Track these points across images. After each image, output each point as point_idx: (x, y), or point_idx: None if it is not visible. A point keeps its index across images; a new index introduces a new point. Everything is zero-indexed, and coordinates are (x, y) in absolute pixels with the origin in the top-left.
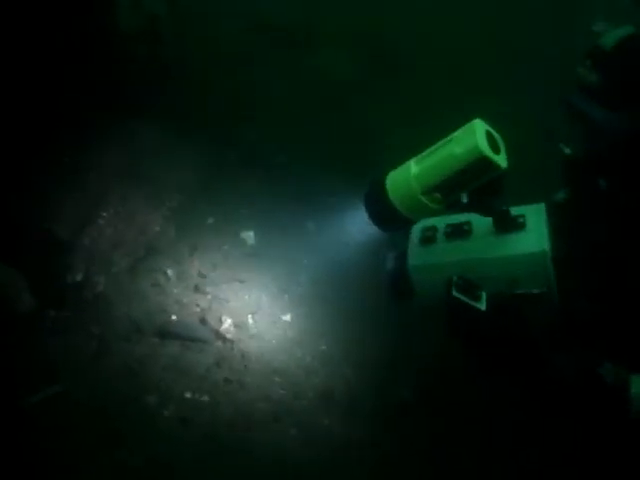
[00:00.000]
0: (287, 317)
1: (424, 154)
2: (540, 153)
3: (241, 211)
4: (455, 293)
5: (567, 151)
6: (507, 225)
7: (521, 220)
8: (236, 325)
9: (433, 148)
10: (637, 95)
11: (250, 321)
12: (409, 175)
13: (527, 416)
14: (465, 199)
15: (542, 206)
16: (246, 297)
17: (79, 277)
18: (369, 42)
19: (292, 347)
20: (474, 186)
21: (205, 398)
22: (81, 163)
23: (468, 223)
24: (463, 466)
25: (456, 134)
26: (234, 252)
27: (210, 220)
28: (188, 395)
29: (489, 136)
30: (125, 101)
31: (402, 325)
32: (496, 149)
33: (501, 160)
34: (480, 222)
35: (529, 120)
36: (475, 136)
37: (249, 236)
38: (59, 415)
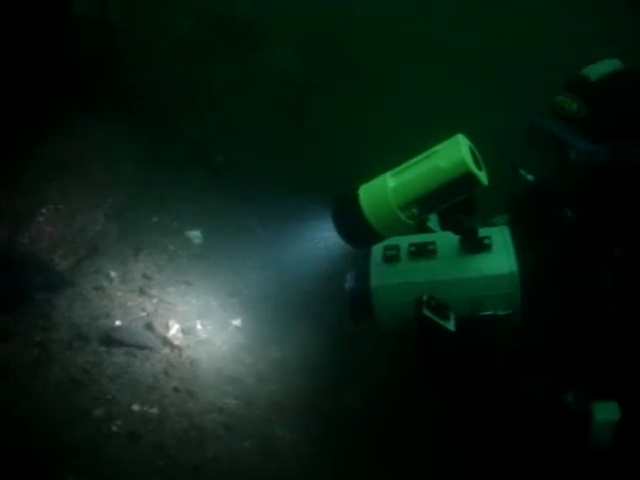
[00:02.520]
0: (237, 322)
1: (401, 167)
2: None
3: (186, 210)
4: (426, 312)
5: (529, 178)
6: (474, 246)
7: (487, 241)
8: (184, 331)
9: (412, 162)
10: (619, 129)
11: (199, 326)
12: (386, 188)
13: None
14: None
15: (506, 229)
16: (194, 301)
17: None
18: (322, 41)
19: (243, 353)
20: (453, 202)
21: (154, 410)
22: (18, 158)
23: (433, 243)
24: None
25: (439, 148)
26: (180, 253)
27: (154, 219)
28: (136, 407)
29: (472, 152)
30: (65, 94)
31: (358, 332)
32: (478, 166)
33: (483, 177)
34: (445, 242)
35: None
36: (461, 151)
37: (195, 236)
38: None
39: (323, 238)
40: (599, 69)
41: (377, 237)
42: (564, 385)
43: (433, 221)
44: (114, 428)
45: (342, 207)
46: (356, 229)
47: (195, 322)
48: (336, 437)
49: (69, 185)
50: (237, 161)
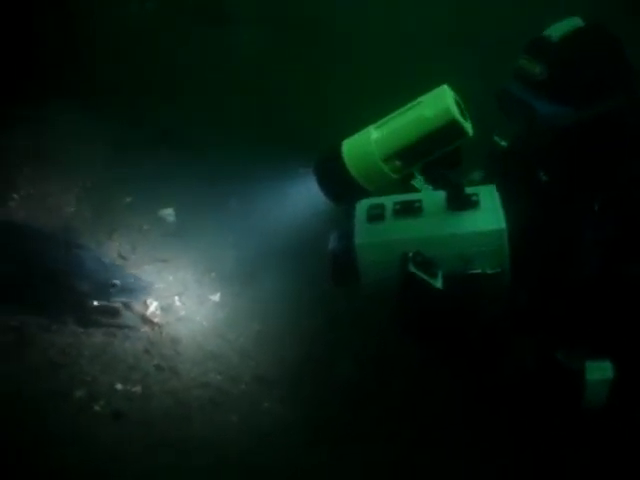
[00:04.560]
0: (216, 297)
1: (385, 119)
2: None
3: (158, 189)
4: (412, 268)
5: (503, 144)
6: (461, 202)
7: (475, 198)
8: (162, 308)
9: (396, 113)
10: (584, 89)
11: (177, 303)
12: (369, 140)
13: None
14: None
15: (493, 187)
16: (170, 278)
17: None
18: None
19: (223, 329)
20: (436, 154)
21: (137, 389)
22: None
23: (419, 201)
24: (407, 449)
25: (423, 98)
26: (154, 231)
27: (127, 199)
28: (119, 387)
29: (456, 103)
30: (31, 79)
31: (339, 301)
32: (463, 116)
33: (468, 127)
34: (431, 200)
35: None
36: (446, 100)
37: (169, 214)
38: None
39: (297, 204)
40: (560, 29)
41: (361, 192)
42: (555, 344)
43: (419, 181)
44: (97, 408)
45: (325, 161)
46: (339, 183)
47: (173, 299)
48: (324, 409)
49: (39, 170)
50: (206, 138)
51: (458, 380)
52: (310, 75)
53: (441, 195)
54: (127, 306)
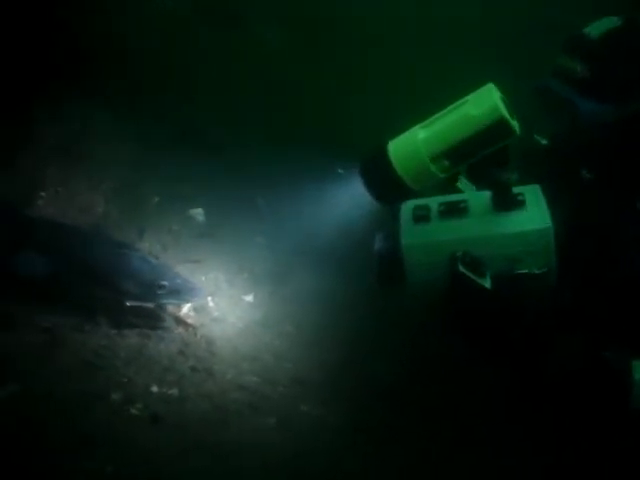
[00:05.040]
0: (249, 298)
1: (431, 119)
2: None
3: (186, 189)
4: (461, 268)
5: (543, 142)
6: (507, 202)
7: (520, 198)
8: (196, 309)
9: (442, 113)
10: (624, 86)
11: (210, 304)
12: (416, 140)
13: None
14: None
15: (537, 187)
16: (203, 278)
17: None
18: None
19: (258, 330)
20: (484, 153)
21: (173, 391)
22: (15, 142)
23: (464, 201)
24: (448, 449)
25: (470, 97)
26: (185, 232)
27: (155, 199)
28: (155, 389)
29: (503, 101)
30: (58, 78)
31: (375, 300)
32: (510, 115)
33: (515, 125)
34: (477, 200)
35: None
36: (493, 97)
37: (198, 213)
38: (14, 421)
39: (334, 204)
40: (599, 27)
41: (406, 192)
42: (601, 343)
43: (463, 183)
44: (133, 411)
45: (371, 161)
46: (386, 183)
47: (206, 299)
48: (363, 410)
49: (68, 168)
50: (232, 137)
51: (501, 379)
52: (338, 75)
53: (486, 195)
54: (160, 307)
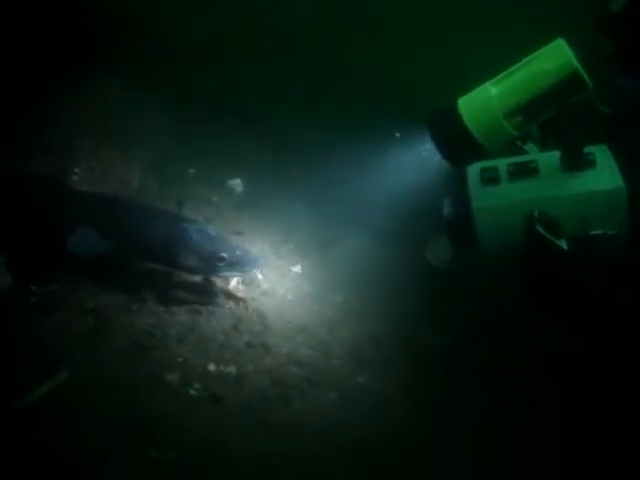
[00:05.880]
0: (297, 268)
1: (502, 75)
2: None
3: (222, 159)
4: (539, 229)
5: (606, 111)
6: (578, 162)
7: (591, 157)
8: (245, 282)
9: (512, 69)
10: None
11: (259, 276)
12: (489, 96)
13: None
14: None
15: (605, 147)
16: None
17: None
18: None
19: (309, 301)
20: (558, 109)
21: (232, 369)
22: (45, 120)
23: (534, 161)
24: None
25: (539, 53)
26: (225, 203)
27: (191, 170)
28: (212, 368)
29: (575, 55)
30: (90, 53)
31: (423, 270)
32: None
33: (588, 79)
34: (546, 160)
35: None
36: (565, 51)
37: (237, 184)
38: (65, 410)
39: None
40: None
41: (478, 151)
42: None
43: (530, 146)
44: (192, 392)
45: (441, 119)
46: (458, 142)
47: (255, 272)
48: (418, 381)
49: (100, 143)
50: (265, 108)
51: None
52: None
53: (554, 155)
54: (208, 281)
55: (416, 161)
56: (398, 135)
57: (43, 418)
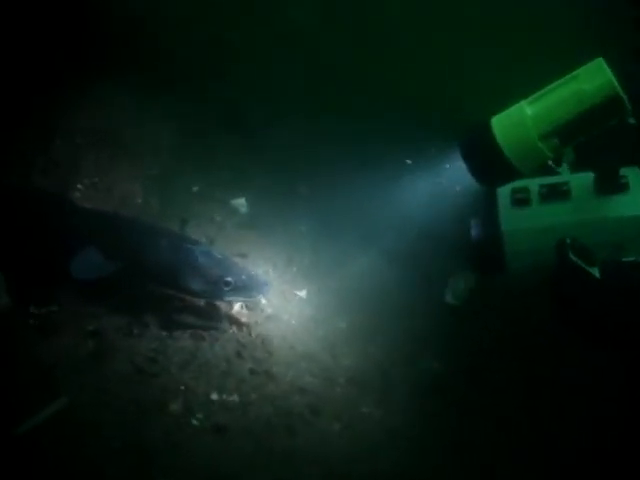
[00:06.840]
0: (302, 293)
1: (538, 94)
2: None
3: (226, 177)
4: (572, 256)
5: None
6: (611, 185)
7: (624, 181)
8: (248, 306)
9: (549, 88)
10: None
11: (263, 300)
12: (524, 117)
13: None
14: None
15: (638, 170)
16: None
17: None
18: None
19: (313, 327)
20: (595, 131)
21: (234, 397)
22: (48, 132)
23: (566, 183)
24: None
25: (579, 72)
26: (228, 223)
27: (194, 188)
28: (215, 397)
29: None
30: (93, 62)
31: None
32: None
33: (627, 102)
34: (579, 182)
35: None
36: (606, 73)
37: (241, 204)
38: (65, 437)
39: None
40: None
41: (512, 173)
42: None
43: (563, 167)
44: (195, 422)
45: (474, 139)
46: (492, 164)
47: (259, 297)
48: (420, 405)
49: (103, 159)
50: (269, 122)
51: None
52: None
53: (587, 177)
54: (212, 305)
55: (427, 184)
56: (409, 162)
57: (43, 444)
